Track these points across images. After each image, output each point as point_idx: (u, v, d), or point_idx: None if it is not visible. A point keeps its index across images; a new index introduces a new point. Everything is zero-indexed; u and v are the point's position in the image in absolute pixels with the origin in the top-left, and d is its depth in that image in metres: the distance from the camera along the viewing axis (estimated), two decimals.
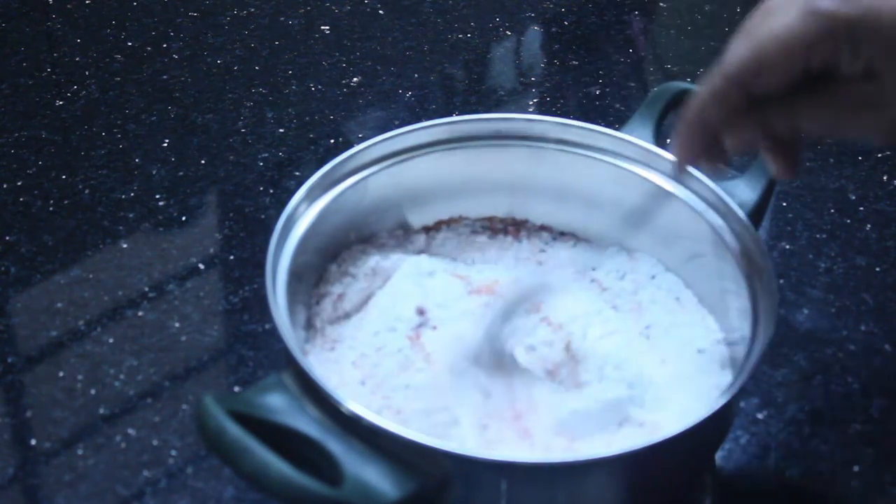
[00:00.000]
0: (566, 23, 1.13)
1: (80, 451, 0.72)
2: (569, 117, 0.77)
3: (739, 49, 0.59)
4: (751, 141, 0.61)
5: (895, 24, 0.55)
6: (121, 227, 0.88)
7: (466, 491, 0.59)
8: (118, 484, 0.71)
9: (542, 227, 0.80)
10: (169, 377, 0.77)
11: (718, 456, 0.73)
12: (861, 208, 0.91)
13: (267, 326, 0.80)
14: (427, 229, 0.79)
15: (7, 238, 0.87)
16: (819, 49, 0.56)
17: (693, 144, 0.62)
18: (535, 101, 1.05)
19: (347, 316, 0.72)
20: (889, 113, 0.58)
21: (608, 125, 0.76)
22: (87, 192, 0.91)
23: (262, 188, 0.92)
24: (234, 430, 0.56)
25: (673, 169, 0.70)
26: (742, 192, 0.73)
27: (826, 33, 0.56)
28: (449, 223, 0.80)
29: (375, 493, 0.55)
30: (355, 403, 0.58)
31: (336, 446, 0.56)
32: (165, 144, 0.96)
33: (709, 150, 0.62)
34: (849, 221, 0.90)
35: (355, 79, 1.04)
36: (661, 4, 1.21)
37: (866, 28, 0.55)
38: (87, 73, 1.03)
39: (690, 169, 0.73)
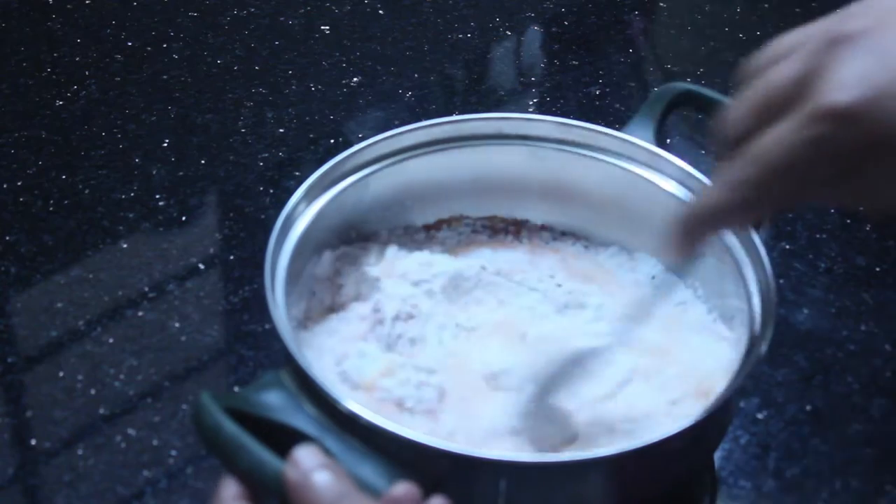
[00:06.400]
0: (566, 23, 1.13)
1: (80, 451, 0.72)
2: (569, 117, 0.77)
3: (743, 170, 0.53)
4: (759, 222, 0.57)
5: None
6: (121, 227, 0.88)
7: (463, 490, 0.59)
8: (118, 484, 0.71)
9: (543, 227, 0.80)
10: (169, 377, 0.77)
11: (718, 456, 0.73)
12: (861, 208, 0.91)
13: (267, 326, 0.80)
14: (427, 228, 0.79)
15: (7, 238, 0.87)
16: (837, 167, 0.51)
17: (694, 244, 0.58)
18: (535, 101, 1.05)
19: (343, 308, 0.72)
20: None
21: (608, 125, 0.76)
22: (87, 192, 0.91)
23: (262, 188, 0.92)
24: (230, 427, 0.56)
25: (675, 258, 0.65)
26: None
27: (839, 156, 0.50)
28: (450, 222, 0.80)
29: (371, 491, 0.55)
30: (353, 402, 0.58)
31: (333, 444, 0.56)
32: (165, 144, 0.96)
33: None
34: (849, 221, 0.90)
35: (355, 79, 1.04)
36: (661, 4, 1.21)
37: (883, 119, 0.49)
38: (87, 73, 1.03)
39: (694, 173, 0.73)
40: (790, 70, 0.52)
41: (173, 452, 0.72)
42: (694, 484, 0.72)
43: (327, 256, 0.73)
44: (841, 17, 0.52)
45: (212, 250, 0.87)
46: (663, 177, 0.74)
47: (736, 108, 0.54)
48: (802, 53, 0.52)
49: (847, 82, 0.49)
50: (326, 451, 0.56)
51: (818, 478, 0.72)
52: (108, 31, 1.08)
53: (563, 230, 0.80)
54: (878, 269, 0.86)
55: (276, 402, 0.58)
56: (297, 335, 0.68)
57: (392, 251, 0.75)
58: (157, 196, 0.91)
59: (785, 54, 0.53)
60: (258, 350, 0.79)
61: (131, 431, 0.74)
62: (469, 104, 1.03)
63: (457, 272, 0.74)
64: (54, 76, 1.03)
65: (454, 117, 0.77)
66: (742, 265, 0.69)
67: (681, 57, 1.10)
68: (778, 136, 0.51)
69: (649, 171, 0.75)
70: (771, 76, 0.53)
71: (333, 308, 0.72)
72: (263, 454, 0.55)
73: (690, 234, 0.57)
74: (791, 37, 0.54)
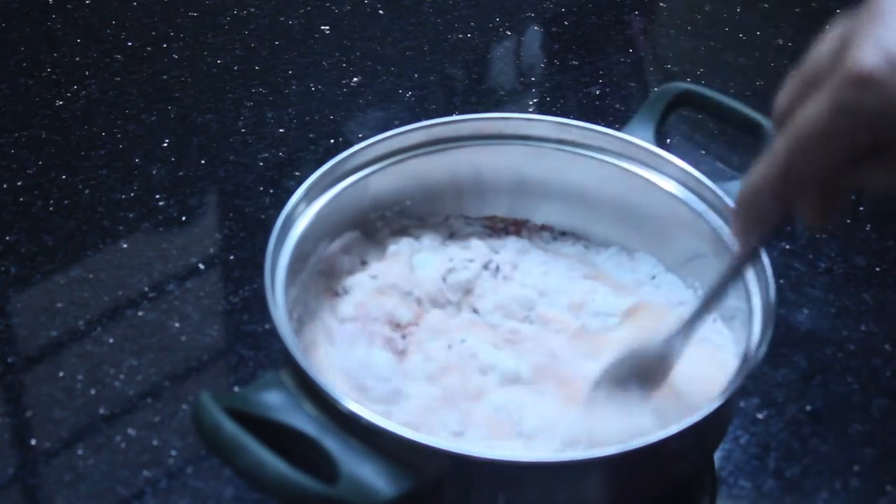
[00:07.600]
0: (566, 23, 1.13)
1: (80, 451, 0.72)
2: (569, 117, 0.77)
3: (781, 143, 0.54)
4: (820, 210, 0.55)
5: None
6: (121, 227, 0.88)
7: (463, 489, 0.59)
8: (118, 484, 0.71)
9: (543, 227, 0.80)
10: (169, 377, 0.77)
11: (718, 456, 0.73)
12: (861, 208, 0.91)
13: (267, 326, 0.80)
14: None
15: (7, 238, 0.87)
16: (864, 136, 0.51)
17: (754, 229, 0.59)
18: (535, 101, 1.05)
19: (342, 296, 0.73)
20: None
21: (608, 125, 0.76)
22: (87, 192, 0.91)
23: (262, 188, 0.92)
24: (230, 427, 0.56)
25: (739, 251, 0.64)
26: None
27: (864, 123, 0.51)
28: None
29: (371, 490, 0.55)
30: (353, 402, 0.58)
31: (333, 444, 0.57)
32: (165, 144, 0.96)
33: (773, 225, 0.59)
34: (849, 221, 0.90)
35: (355, 79, 1.04)
36: (661, 4, 1.21)
37: None
38: (87, 73, 1.03)
39: (694, 173, 0.73)
40: (826, 46, 0.53)
41: (173, 452, 0.72)
42: (694, 484, 0.72)
43: (336, 243, 0.74)
44: None
45: (212, 250, 0.87)
46: (663, 177, 0.74)
47: (783, 87, 0.55)
48: (838, 32, 0.53)
49: (870, 50, 0.50)
50: (326, 452, 0.56)
51: (818, 478, 0.72)
52: (108, 31, 1.08)
53: (563, 230, 0.80)
54: (878, 269, 0.86)
55: (276, 402, 0.58)
56: (296, 335, 0.68)
57: (393, 249, 0.76)
58: (157, 196, 0.91)
59: (828, 36, 0.54)
60: (258, 350, 0.79)
61: (131, 431, 0.74)
62: (469, 104, 1.03)
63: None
64: (54, 76, 1.03)
65: (454, 117, 0.77)
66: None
67: (681, 57, 1.10)
68: (808, 107, 0.52)
69: (649, 171, 0.75)
70: (812, 54, 0.54)
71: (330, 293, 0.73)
72: (263, 454, 0.55)
73: (745, 218, 0.58)
74: (837, 23, 0.54)
